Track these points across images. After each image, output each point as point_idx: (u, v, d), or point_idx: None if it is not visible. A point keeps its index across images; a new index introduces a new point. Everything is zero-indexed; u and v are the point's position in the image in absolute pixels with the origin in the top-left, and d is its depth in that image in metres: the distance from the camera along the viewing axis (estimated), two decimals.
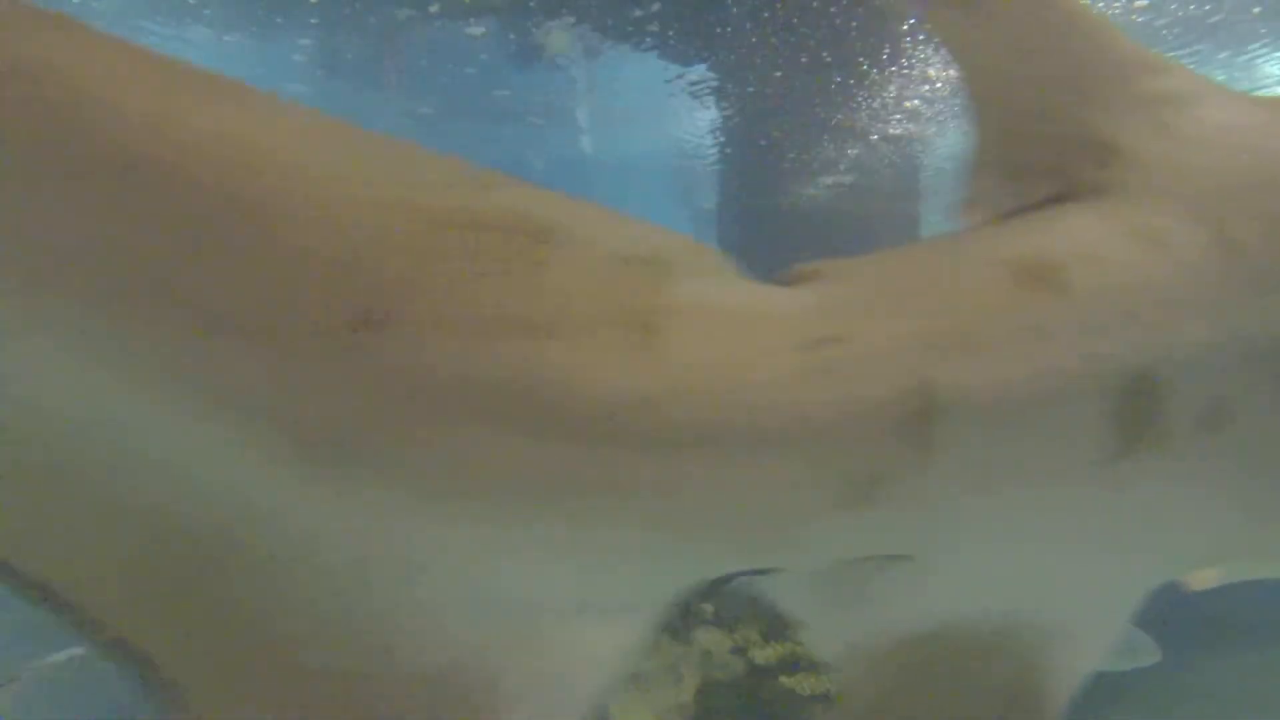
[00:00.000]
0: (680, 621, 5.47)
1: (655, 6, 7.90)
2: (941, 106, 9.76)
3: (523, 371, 0.69)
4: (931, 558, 0.89)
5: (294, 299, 0.66)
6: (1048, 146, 0.97)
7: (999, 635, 0.95)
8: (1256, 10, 7.92)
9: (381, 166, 0.73)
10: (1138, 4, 7.73)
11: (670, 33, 8.45)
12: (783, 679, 5.20)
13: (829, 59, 8.38)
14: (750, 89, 9.11)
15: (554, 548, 0.74)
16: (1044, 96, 0.98)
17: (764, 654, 5.34)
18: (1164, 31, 8.18)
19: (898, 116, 9.78)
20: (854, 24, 7.87)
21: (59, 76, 0.64)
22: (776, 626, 5.45)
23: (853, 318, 0.80)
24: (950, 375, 0.79)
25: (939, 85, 9.19)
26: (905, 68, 8.77)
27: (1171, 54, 8.78)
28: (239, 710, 0.72)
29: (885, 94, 9.24)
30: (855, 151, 10.06)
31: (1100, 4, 7.74)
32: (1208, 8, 7.74)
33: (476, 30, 8.51)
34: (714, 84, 9.26)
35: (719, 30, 8.19)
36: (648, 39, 8.48)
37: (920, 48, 8.39)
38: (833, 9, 7.57)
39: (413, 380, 0.68)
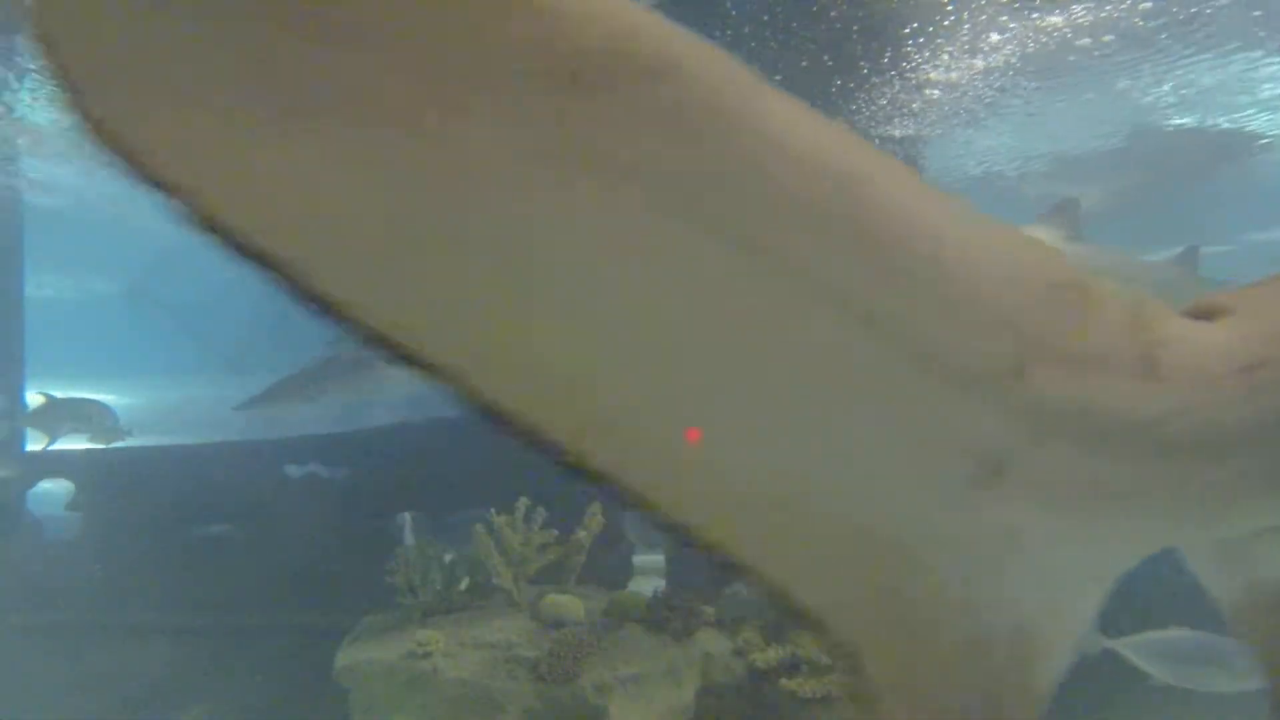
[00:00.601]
0: (681, 624, 5.49)
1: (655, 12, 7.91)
2: (944, 109, 9.78)
3: (1094, 398, 0.92)
4: None
5: (966, 344, 0.86)
6: None
7: None
8: (1257, 14, 7.94)
9: (1001, 232, 0.92)
10: (1141, 6, 7.75)
11: None
12: (783, 681, 5.20)
13: (829, 62, 8.40)
14: None
15: (1087, 531, 0.98)
16: None
17: (765, 656, 5.34)
18: (1163, 35, 8.20)
19: (899, 119, 9.80)
20: (854, 27, 7.89)
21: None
22: (777, 629, 5.45)
23: (1266, 346, 1.03)
24: None
25: (940, 88, 9.22)
26: (906, 70, 8.79)
27: (1168, 58, 8.78)
28: (905, 677, 0.97)
29: (885, 97, 9.26)
30: None
31: (1100, 6, 7.76)
32: (1209, 11, 7.75)
33: None
34: None
35: (718, 34, 8.22)
36: None
37: (921, 50, 8.41)
38: (832, 13, 7.59)
39: (1045, 408, 0.90)
